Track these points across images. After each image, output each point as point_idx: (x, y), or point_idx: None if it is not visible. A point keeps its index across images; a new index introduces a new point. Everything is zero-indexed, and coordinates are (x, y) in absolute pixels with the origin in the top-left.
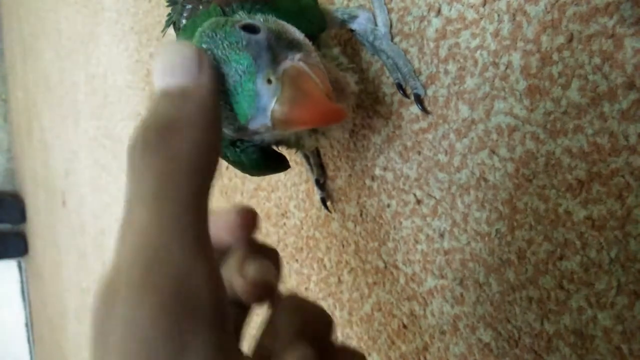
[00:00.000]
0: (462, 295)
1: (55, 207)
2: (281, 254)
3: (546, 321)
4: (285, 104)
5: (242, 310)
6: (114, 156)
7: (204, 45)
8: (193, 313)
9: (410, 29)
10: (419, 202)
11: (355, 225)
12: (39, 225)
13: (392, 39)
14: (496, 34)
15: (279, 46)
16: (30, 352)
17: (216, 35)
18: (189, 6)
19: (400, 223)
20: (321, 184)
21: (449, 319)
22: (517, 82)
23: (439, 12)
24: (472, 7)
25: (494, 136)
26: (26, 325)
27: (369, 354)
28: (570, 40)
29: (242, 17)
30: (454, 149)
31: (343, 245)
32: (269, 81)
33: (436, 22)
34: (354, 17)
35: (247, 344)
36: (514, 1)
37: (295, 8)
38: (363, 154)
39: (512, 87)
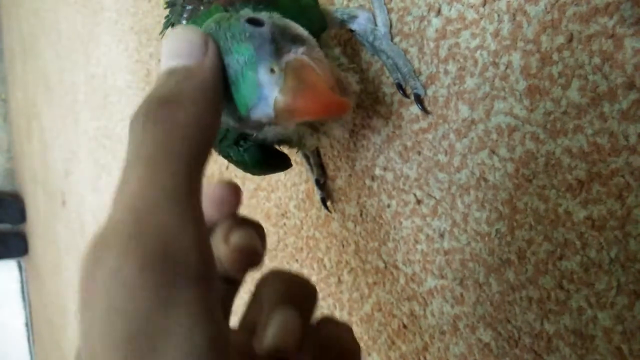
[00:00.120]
0: (462, 295)
1: (55, 207)
2: (281, 254)
3: (546, 321)
4: (288, 93)
5: (232, 287)
6: (114, 156)
7: None
8: (179, 269)
9: (410, 29)
10: (419, 202)
11: (355, 225)
12: (39, 225)
13: (392, 39)
14: (496, 34)
15: (282, 39)
16: (30, 352)
17: (220, 28)
18: (189, 7)
19: (400, 223)
20: (321, 184)
21: (449, 319)
22: (517, 82)
23: (439, 12)
24: (472, 7)
25: (494, 136)
26: (26, 325)
27: (369, 354)
28: (570, 40)
29: (247, 12)
30: (454, 149)
31: (343, 245)
32: (272, 71)
33: (436, 22)
34: (353, 18)
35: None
36: (514, 1)
37: (296, 7)
38: (363, 154)
39: (512, 87)
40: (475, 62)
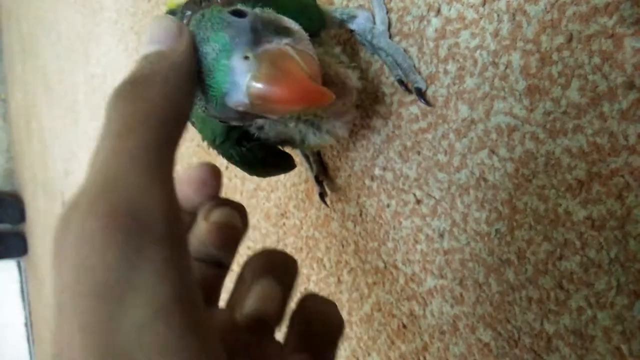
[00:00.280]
0: (461, 295)
1: (54, 207)
2: None
3: (546, 321)
4: (260, 79)
5: (221, 270)
6: None
7: (192, 29)
8: (143, 228)
9: (409, 28)
10: (418, 202)
11: (354, 225)
12: (39, 225)
13: (390, 38)
14: (496, 33)
15: (265, 30)
16: (30, 352)
17: (203, 18)
18: (188, 12)
19: (400, 223)
20: (320, 181)
21: (449, 319)
22: (517, 82)
23: (438, 11)
24: (471, 6)
25: (494, 136)
26: (26, 325)
27: (369, 354)
28: (569, 40)
29: (235, 6)
30: (454, 148)
31: (343, 245)
32: (246, 58)
33: (436, 22)
34: (353, 17)
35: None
36: (514, 1)
37: (294, 5)
38: (362, 154)
39: (512, 87)
40: (475, 62)
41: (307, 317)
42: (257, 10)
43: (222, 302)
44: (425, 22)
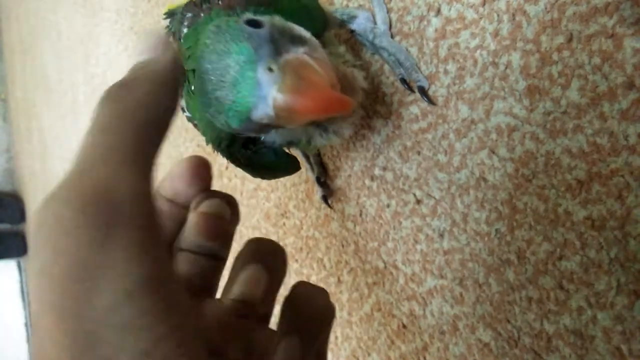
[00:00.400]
0: (461, 295)
1: None
2: None
3: (546, 321)
4: (286, 91)
5: (218, 263)
6: None
7: (208, 41)
8: (115, 214)
9: (409, 28)
10: (418, 202)
11: (354, 225)
12: None
13: (391, 37)
14: (496, 33)
15: (282, 40)
16: (30, 352)
17: (220, 29)
18: (189, 15)
19: (400, 223)
20: (322, 182)
21: (449, 319)
22: (517, 82)
23: (438, 11)
24: (471, 7)
25: (494, 136)
26: (26, 325)
27: (369, 354)
28: (569, 40)
29: (247, 16)
30: (454, 149)
31: (343, 245)
32: (270, 70)
33: (436, 22)
34: (353, 18)
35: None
36: (514, 1)
37: (296, 8)
38: (363, 154)
39: (512, 87)
40: (475, 62)
41: (296, 302)
42: (266, 17)
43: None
44: (425, 22)
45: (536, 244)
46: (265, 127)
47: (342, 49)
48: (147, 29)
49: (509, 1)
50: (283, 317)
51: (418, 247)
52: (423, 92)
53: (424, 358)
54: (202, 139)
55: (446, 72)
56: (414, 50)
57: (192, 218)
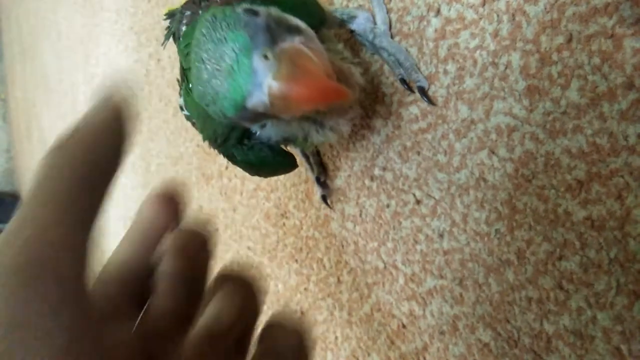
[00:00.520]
0: (461, 295)
1: None
2: (280, 254)
3: (545, 321)
4: (281, 78)
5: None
6: None
7: (204, 30)
8: (38, 267)
9: (409, 29)
10: (418, 202)
11: (354, 226)
12: None
13: (391, 37)
14: (495, 34)
15: (278, 29)
16: None
17: (216, 19)
18: (188, 12)
19: (400, 223)
20: (322, 182)
21: (449, 319)
22: (517, 82)
23: (438, 12)
24: (471, 7)
25: (493, 136)
26: None
27: (369, 354)
28: (569, 40)
29: (244, 5)
30: (453, 149)
31: (342, 246)
32: (266, 57)
33: (435, 22)
34: (353, 18)
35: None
36: (513, 1)
37: (294, 1)
38: (362, 154)
39: (512, 87)
40: (475, 62)
41: (267, 341)
42: (264, 8)
43: None
44: (425, 23)
45: (536, 244)
46: (261, 117)
47: (340, 46)
48: (145, 27)
49: (508, 1)
50: (256, 353)
51: (418, 247)
52: (423, 92)
53: (424, 358)
54: (201, 139)
55: (446, 72)
56: (413, 51)
57: (167, 243)
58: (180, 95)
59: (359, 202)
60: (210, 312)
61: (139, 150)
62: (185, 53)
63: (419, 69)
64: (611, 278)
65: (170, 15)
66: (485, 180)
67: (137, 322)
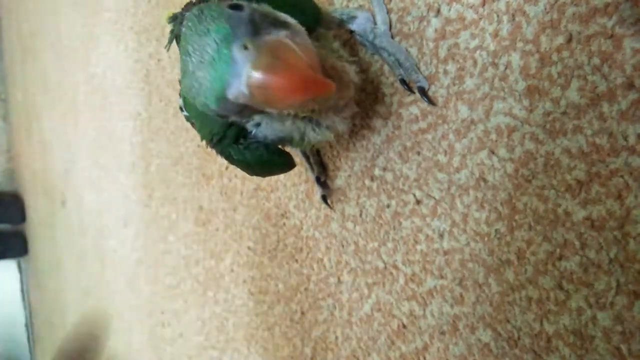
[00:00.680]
0: (461, 295)
1: (54, 207)
2: (281, 254)
3: (546, 321)
4: (259, 68)
5: None
6: (114, 156)
7: (191, 23)
8: None
9: (409, 29)
10: (418, 202)
11: (354, 226)
12: (39, 225)
13: (391, 38)
14: (495, 34)
15: (263, 23)
16: (30, 352)
17: (202, 12)
18: (187, 14)
19: (400, 223)
20: (322, 182)
21: (449, 319)
22: (517, 83)
23: (438, 12)
24: (471, 7)
25: (493, 136)
26: (26, 325)
27: (369, 354)
28: (569, 40)
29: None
30: (454, 149)
31: (343, 246)
32: (246, 47)
33: (435, 23)
34: (353, 18)
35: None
36: (513, 1)
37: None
38: (362, 154)
39: (512, 87)
40: (475, 62)
41: None
42: (254, 4)
43: None
44: (425, 23)
45: (536, 244)
46: (247, 110)
47: (336, 44)
48: (146, 27)
49: (508, 2)
50: None
51: (418, 247)
52: (423, 92)
53: (424, 358)
54: (200, 139)
55: (446, 72)
56: (413, 51)
57: None
58: (180, 96)
59: (359, 202)
60: None
61: (139, 150)
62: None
63: (419, 69)
64: (611, 278)
65: (174, 18)
66: (485, 180)
67: None
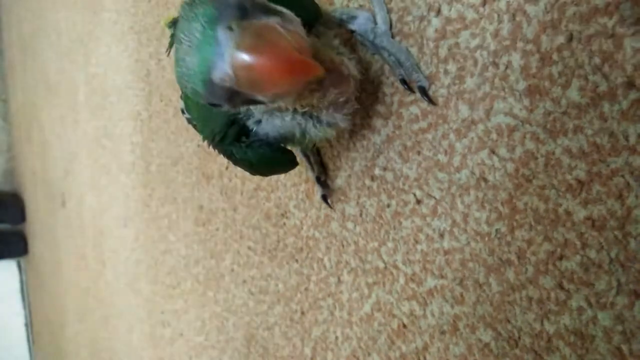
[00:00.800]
0: (462, 295)
1: (54, 207)
2: (281, 254)
3: (546, 321)
4: (243, 48)
5: None
6: (114, 156)
7: (182, 12)
8: None
9: (410, 29)
10: (418, 202)
11: (355, 226)
12: (39, 225)
13: (392, 37)
14: (496, 34)
15: (253, 8)
16: (30, 352)
17: (194, 1)
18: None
19: (400, 223)
20: (322, 182)
21: (449, 319)
22: (517, 82)
23: (438, 12)
24: (471, 7)
25: (494, 136)
26: (26, 325)
27: (369, 354)
28: (570, 40)
29: None
30: (454, 149)
31: (343, 245)
32: (230, 29)
33: (436, 22)
34: (353, 18)
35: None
36: (514, 1)
37: None
38: (363, 154)
39: (512, 87)
40: (475, 62)
41: None
42: None
43: None
44: (425, 22)
45: (536, 244)
46: (238, 98)
47: (336, 42)
48: (146, 27)
49: (509, 1)
50: None
51: (418, 247)
52: (423, 92)
53: (424, 358)
54: (201, 139)
55: (446, 72)
56: (414, 51)
57: None
58: (182, 98)
59: (359, 202)
60: None
61: (139, 150)
62: None
63: (419, 68)
64: (612, 278)
65: (173, 23)
66: (485, 180)
67: None
